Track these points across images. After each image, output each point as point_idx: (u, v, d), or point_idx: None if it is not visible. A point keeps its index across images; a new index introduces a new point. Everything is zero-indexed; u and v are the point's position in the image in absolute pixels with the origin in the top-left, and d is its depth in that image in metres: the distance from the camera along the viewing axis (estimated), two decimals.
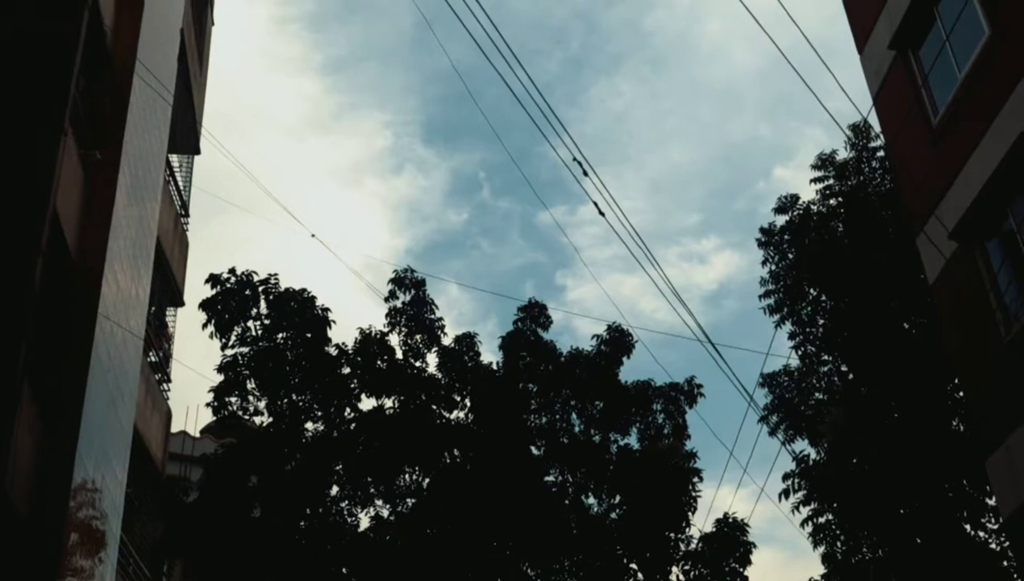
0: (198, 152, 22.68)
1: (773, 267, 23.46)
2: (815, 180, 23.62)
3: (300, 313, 22.85)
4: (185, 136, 21.44)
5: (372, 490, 22.75)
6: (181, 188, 21.58)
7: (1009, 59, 13.15)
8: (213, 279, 22.21)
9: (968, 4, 14.20)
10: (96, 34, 13.63)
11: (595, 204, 12.88)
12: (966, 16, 14.30)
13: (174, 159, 21.14)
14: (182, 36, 19.02)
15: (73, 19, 12.23)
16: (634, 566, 22.26)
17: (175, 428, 23.73)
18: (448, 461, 23.18)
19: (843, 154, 23.65)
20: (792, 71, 13.29)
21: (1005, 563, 17.61)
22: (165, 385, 21.08)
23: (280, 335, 22.80)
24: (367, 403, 23.28)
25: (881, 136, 19.84)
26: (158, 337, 20.21)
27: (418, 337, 23.95)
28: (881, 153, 22.83)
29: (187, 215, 22.10)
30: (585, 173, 12.27)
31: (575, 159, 12.13)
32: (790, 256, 23.33)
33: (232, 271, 22.53)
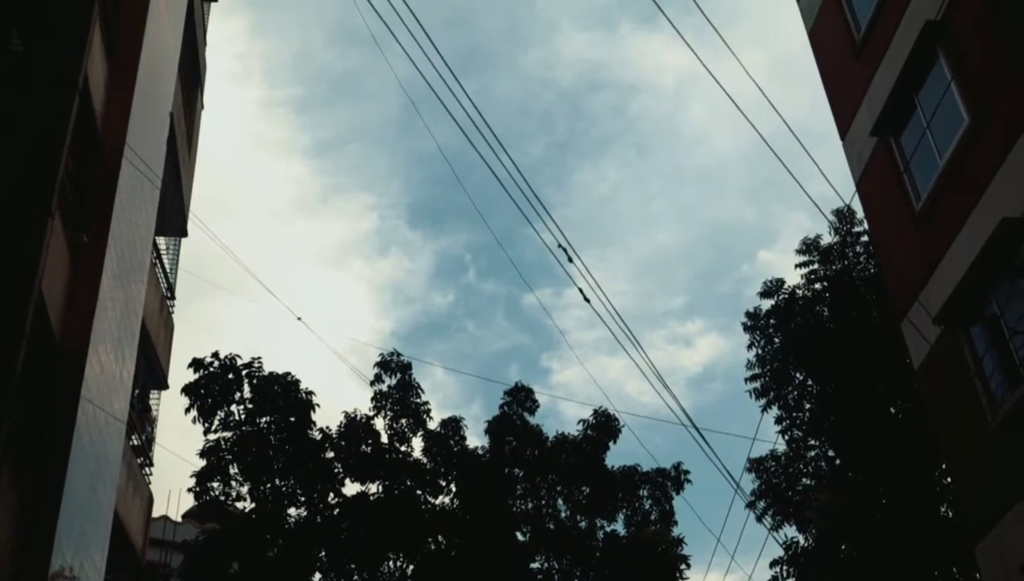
0: (185, 234, 22.72)
1: (759, 351, 23.51)
2: (800, 265, 23.80)
3: (284, 396, 22.75)
4: (172, 218, 21.49)
5: (356, 577, 22.43)
6: (167, 270, 21.57)
7: (988, 147, 13.33)
8: (196, 363, 22.13)
9: (948, 92, 14.43)
10: (86, 117, 13.72)
11: (580, 290, 12.92)
12: (946, 104, 14.52)
13: (161, 241, 21.16)
14: (172, 120, 19.17)
15: (63, 102, 12.33)
16: None
17: (156, 512, 23.41)
18: (433, 547, 22.92)
19: (828, 239, 23.86)
20: (781, 152, 13.45)
21: None
22: (147, 469, 20.84)
23: (263, 419, 22.68)
24: (351, 488, 23.10)
25: (865, 221, 20.03)
26: (141, 420, 20.03)
27: (404, 421, 23.85)
28: (865, 238, 23.03)
29: (173, 297, 22.06)
30: (570, 259, 12.33)
31: (560, 245, 12.19)
32: (776, 340, 23.39)
33: (216, 355, 22.47)
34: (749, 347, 23.60)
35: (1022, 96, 12.45)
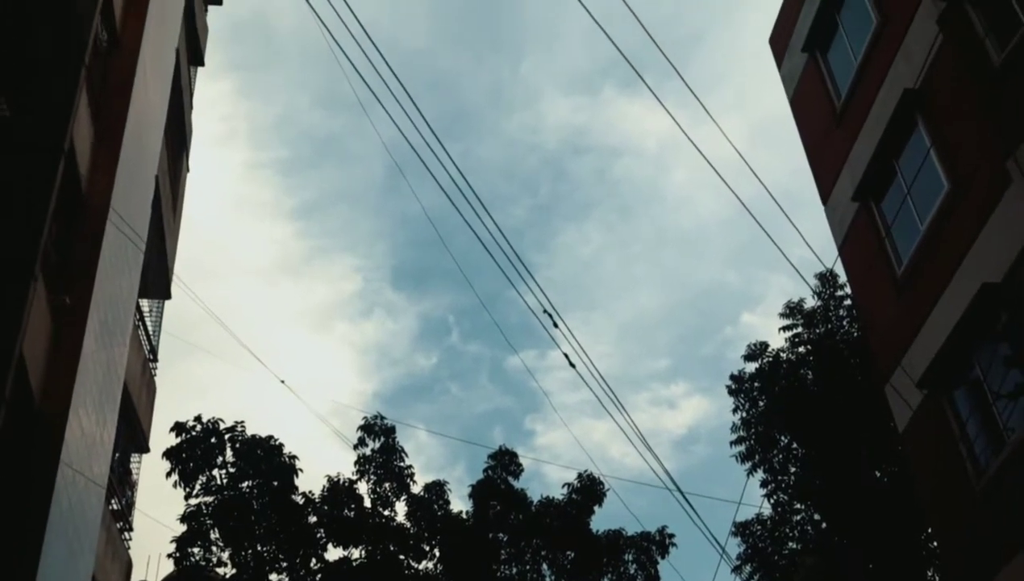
0: (169, 297, 22.67)
1: (744, 414, 23.51)
2: (784, 328, 23.88)
3: (267, 460, 22.58)
4: (156, 281, 21.45)
5: None
6: (150, 333, 21.48)
7: (968, 212, 13.46)
8: (179, 427, 21.98)
9: (927, 159, 14.60)
10: (71, 180, 13.75)
11: (566, 356, 12.92)
12: (926, 170, 14.69)
13: (144, 303, 21.09)
14: (157, 183, 19.21)
15: (49, 167, 12.36)
16: None
17: (135, 578, 23.07)
18: None
19: (811, 302, 23.97)
20: (762, 216, 13.56)
21: None
22: (127, 534, 20.58)
23: (246, 483, 22.47)
24: (334, 553, 22.84)
25: (848, 285, 20.13)
26: (121, 484, 19.82)
27: (387, 485, 23.68)
28: (849, 301, 23.15)
29: (155, 360, 21.94)
30: (556, 324, 12.36)
31: (545, 310, 12.23)
32: (761, 404, 23.39)
33: (198, 419, 22.33)
34: (734, 410, 23.62)
35: (999, 163, 12.60)
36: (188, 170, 24.48)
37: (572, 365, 12.81)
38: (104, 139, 15.22)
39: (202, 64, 24.97)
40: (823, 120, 18.02)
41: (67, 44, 13.82)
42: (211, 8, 25.79)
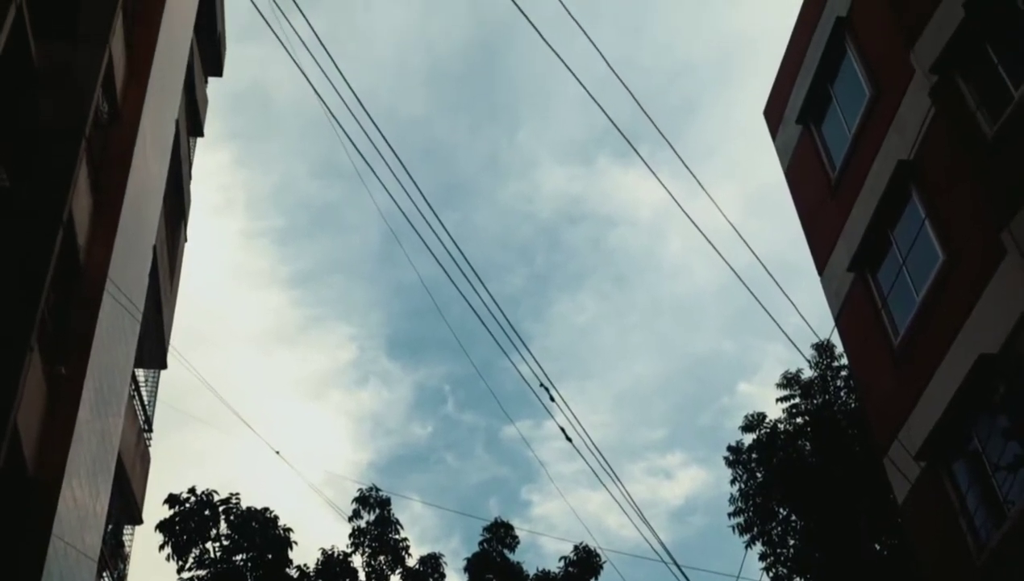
0: (165, 367, 22.58)
1: (742, 486, 23.34)
2: (781, 399, 23.80)
3: (262, 533, 22.34)
4: (152, 351, 21.39)
5: None
6: (146, 403, 21.37)
7: (963, 283, 13.50)
8: (172, 499, 21.79)
9: (922, 230, 14.67)
10: (69, 250, 13.78)
11: (562, 430, 12.83)
12: (921, 241, 14.75)
13: (140, 373, 21.01)
14: (155, 253, 19.25)
15: (47, 238, 12.39)
16: None
17: None
18: None
19: (808, 372, 23.92)
20: (757, 285, 13.63)
21: None
22: None
23: (239, 556, 22.21)
24: None
25: (845, 355, 20.10)
26: (113, 557, 19.58)
27: (382, 558, 23.42)
28: (846, 371, 23.11)
29: (150, 430, 21.80)
30: (552, 399, 12.32)
31: (542, 384, 12.21)
32: (759, 475, 23.25)
33: (192, 491, 22.15)
34: (732, 482, 23.46)
35: (994, 235, 12.66)
36: (186, 240, 24.54)
37: (568, 439, 12.74)
38: (103, 209, 15.27)
39: (202, 135, 25.17)
40: (818, 191, 18.13)
41: (68, 115, 13.95)
42: (211, 79, 26.06)
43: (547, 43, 10.84)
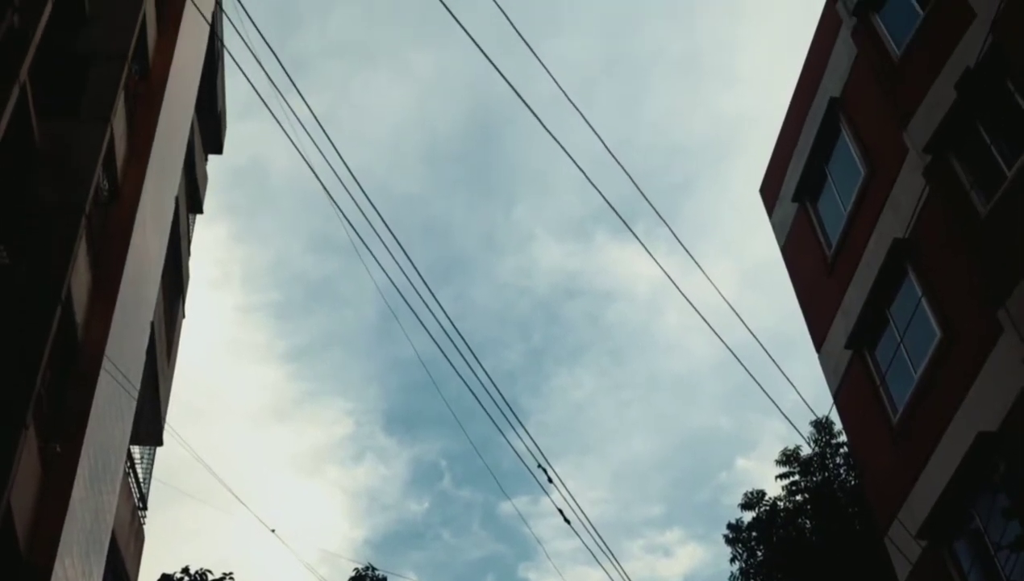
0: (160, 443, 22.47)
1: (742, 564, 23.11)
2: (781, 476, 23.66)
3: None
4: (148, 428, 21.30)
5: None
6: (140, 480, 21.23)
7: (961, 361, 13.48)
8: (166, 579, 21.53)
9: (919, 307, 14.69)
10: (67, 327, 13.78)
11: (560, 511, 12.67)
12: (918, 318, 14.77)
13: (136, 450, 20.90)
14: (152, 329, 19.25)
15: (45, 317, 12.40)
16: None
17: None
18: None
19: (807, 449, 23.82)
20: (754, 361, 13.54)
21: None
22: None
23: None
24: None
25: (844, 432, 20.02)
26: None
27: None
28: (846, 448, 23.00)
29: (145, 507, 21.62)
30: (550, 479, 12.22)
31: (540, 465, 12.12)
32: (759, 553, 23.03)
33: (185, 570, 21.91)
34: (732, 560, 23.24)
35: (990, 312, 12.69)
36: (184, 316, 24.56)
37: (567, 521, 12.59)
38: (102, 286, 15.32)
39: (201, 212, 25.32)
40: (815, 268, 18.20)
41: (69, 193, 14.06)
42: (211, 156, 26.29)
43: (545, 127, 10.93)
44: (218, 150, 26.42)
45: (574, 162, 11.35)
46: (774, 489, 25.22)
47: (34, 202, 13.73)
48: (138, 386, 17.73)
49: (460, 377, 10.99)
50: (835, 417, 19.33)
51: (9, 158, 12.68)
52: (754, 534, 23.12)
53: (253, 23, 10.88)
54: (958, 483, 13.47)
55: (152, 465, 22.33)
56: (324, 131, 10.84)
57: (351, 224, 10.95)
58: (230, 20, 11.94)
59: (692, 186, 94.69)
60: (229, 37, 25.55)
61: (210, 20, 21.49)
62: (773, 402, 13.65)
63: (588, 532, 12.35)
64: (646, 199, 11.37)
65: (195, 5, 19.22)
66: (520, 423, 11.50)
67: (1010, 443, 12.47)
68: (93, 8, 15.55)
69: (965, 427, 13.22)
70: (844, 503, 22.29)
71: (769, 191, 20.22)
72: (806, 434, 23.97)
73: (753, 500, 23.62)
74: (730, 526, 23.62)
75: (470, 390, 11.07)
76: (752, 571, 22.80)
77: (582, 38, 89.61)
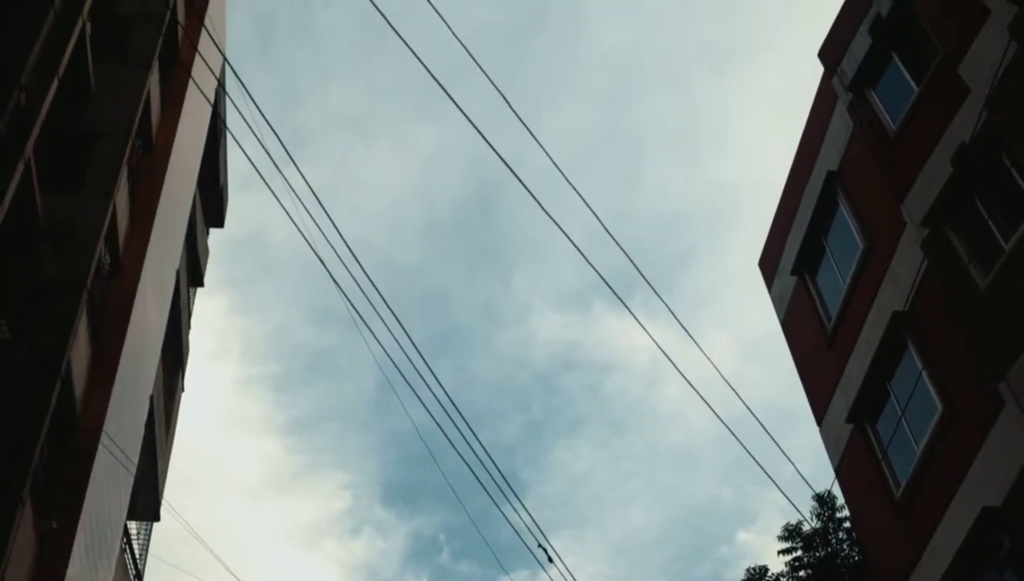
0: (157, 519, 22.27)
1: None
2: (783, 551, 23.43)
3: None
4: (145, 502, 21.13)
5: None
6: (137, 556, 21.01)
7: (964, 435, 13.41)
8: None
9: (919, 381, 14.65)
10: (66, 402, 13.74)
11: None
12: (919, 392, 14.71)
13: (132, 525, 20.71)
14: (151, 403, 19.19)
15: (43, 393, 12.38)
16: None
17: None
18: None
19: (809, 524, 23.60)
20: (754, 433, 13.46)
21: None
22: None
23: None
24: None
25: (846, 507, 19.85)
26: None
27: None
28: (848, 523, 22.80)
29: None
30: (550, 559, 12.11)
31: (540, 545, 12.02)
32: None
33: None
34: None
35: (991, 385, 12.65)
36: (183, 389, 24.50)
37: None
38: (101, 360, 15.30)
39: (202, 285, 25.37)
40: (814, 341, 18.18)
41: (70, 267, 14.11)
42: (212, 230, 26.40)
43: (539, 204, 11.04)
44: (220, 224, 26.55)
45: (567, 237, 11.42)
46: (776, 564, 24.97)
47: (35, 276, 13.77)
48: (136, 460, 17.63)
49: (456, 451, 10.95)
50: (837, 491, 19.17)
51: (12, 233, 12.74)
52: None
53: (252, 100, 11.01)
54: (963, 559, 13.31)
55: (149, 540, 22.12)
56: (321, 204, 10.94)
57: (348, 298, 10.98)
58: (230, 99, 12.09)
59: (691, 256, 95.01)
60: (231, 113, 25.84)
61: (212, 97, 21.73)
62: (771, 478, 13.54)
63: None
64: (641, 274, 11.41)
65: (196, 85, 19.45)
66: (519, 500, 11.42)
67: (1015, 517, 12.36)
68: (98, 85, 15.73)
69: (969, 502, 13.10)
70: (847, 579, 22.03)
71: (768, 264, 20.28)
72: (808, 507, 23.79)
73: (755, 576, 23.37)
74: None
75: (467, 465, 11.03)
76: None
77: (581, 107, 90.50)
